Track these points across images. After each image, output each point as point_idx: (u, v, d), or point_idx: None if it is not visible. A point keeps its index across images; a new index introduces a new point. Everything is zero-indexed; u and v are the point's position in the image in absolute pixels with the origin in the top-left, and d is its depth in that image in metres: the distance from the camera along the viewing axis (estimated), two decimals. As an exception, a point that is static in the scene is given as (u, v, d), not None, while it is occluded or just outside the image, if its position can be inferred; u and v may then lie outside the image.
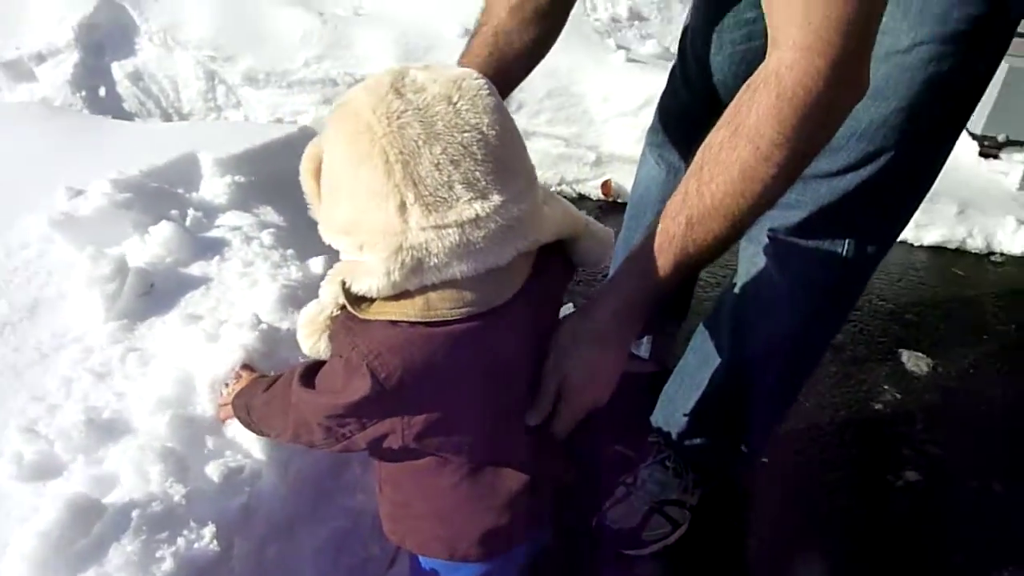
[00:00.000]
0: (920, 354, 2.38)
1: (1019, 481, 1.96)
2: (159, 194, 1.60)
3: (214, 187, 1.70)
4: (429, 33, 2.83)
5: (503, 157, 0.83)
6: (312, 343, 0.96)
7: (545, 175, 2.92)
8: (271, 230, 1.59)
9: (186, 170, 1.73)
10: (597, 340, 1.04)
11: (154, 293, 1.38)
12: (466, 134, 0.81)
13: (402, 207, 0.80)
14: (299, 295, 1.41)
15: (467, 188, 0.80)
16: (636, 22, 3.23)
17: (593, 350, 1.03)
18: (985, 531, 1.82)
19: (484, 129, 0.82)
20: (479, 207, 0.80)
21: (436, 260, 0.81)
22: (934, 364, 2.35)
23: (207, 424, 1.15)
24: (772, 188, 0.99)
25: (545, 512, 1.10)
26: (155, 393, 1.17)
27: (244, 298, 1.39)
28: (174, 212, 1.56)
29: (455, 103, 0.82)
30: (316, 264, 1.51)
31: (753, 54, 1.50)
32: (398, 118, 0.80)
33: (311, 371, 0.98)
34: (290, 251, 1.54)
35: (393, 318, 0.86)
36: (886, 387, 2.24)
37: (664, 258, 1.04)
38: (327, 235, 0.89)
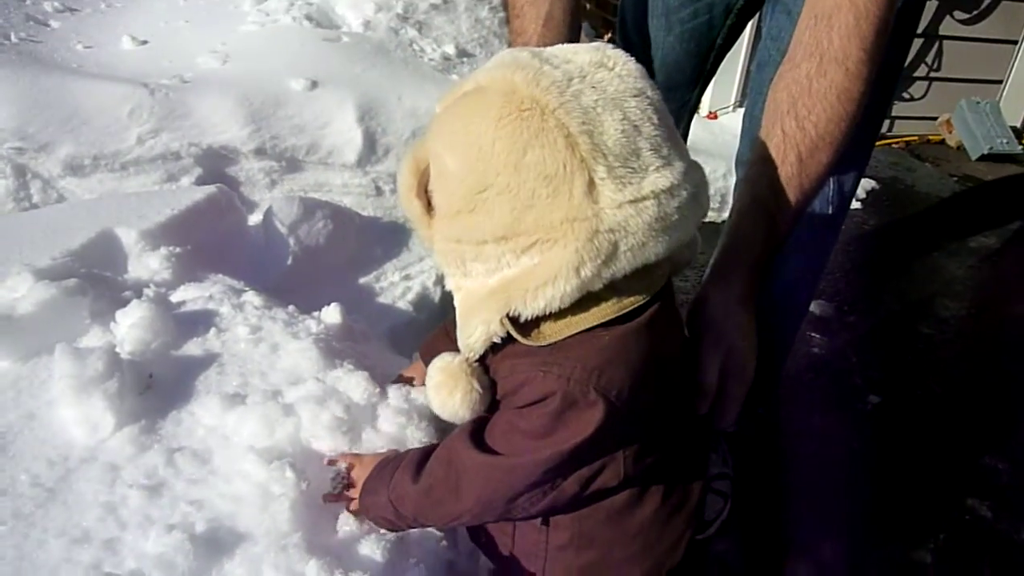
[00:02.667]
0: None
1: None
2: (94, 279, 1.31)
3: (150, 262, 1.43)
4: (274, 89, 2.64)
5: (670, 122, 0.78)
6: (446, 395, 0.83)
7: (423, 216, 2.82)
8: (249, 292, 1.36)
9: (106, 249, 1.44)
10: (745, 304, 1.01)
11: (155, 385, 1.11)
12: (636, 98, 0.74)
13: (590, 185, 0.70)
14: (334, 346, 1.22)
15: (654, 154, 0.73)
16: (465, 58, 3.28)
17: (745, 316, 1.00)
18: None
19: (649, 92, 0.76)
20: (670, 174, 0.73)
21: (633, 241, 0.72)
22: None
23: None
24: (862, 105, 1.04)
25: None
26: (244, 484, 0.94)
27: (273, 365, 1.17)
28: (126, 294, 1.28)
29: (612, 68, 0.75)
30: (332, 313, 1.32)
31: (700, 30, 1.57)
32: (568, 86, 0.71)
33: (477, 434, 0.84)
34: (290, 307, 1.33)
35: (585, 326, 0.76)
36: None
37: (784, 202, 1.04)
38: (464, 250, 0.75)
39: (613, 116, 0.72)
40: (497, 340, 0.78)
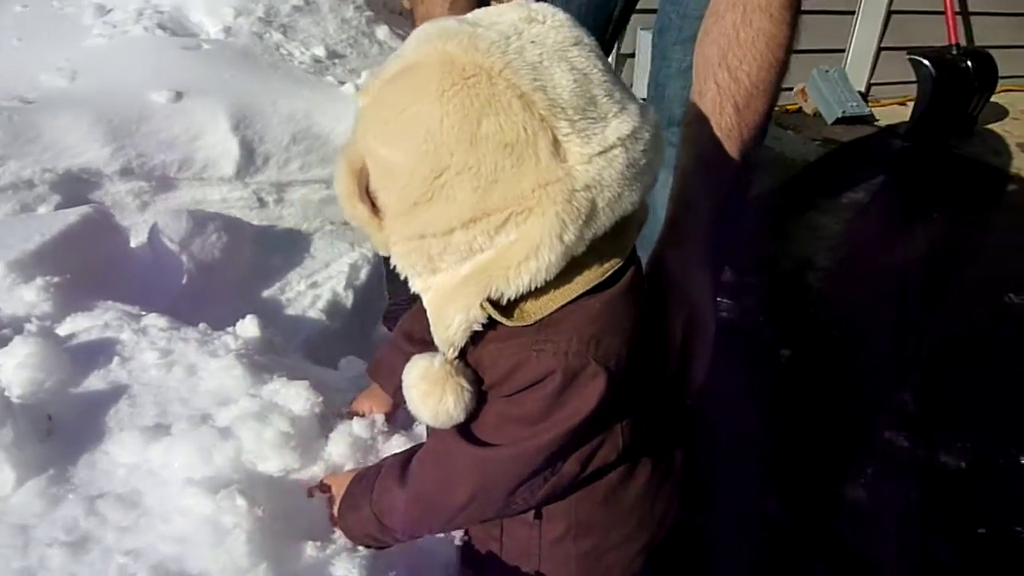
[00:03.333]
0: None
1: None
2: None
3: (25, 295, 1.26)
4: (135, 104, 2.42)
5: (610, 66, 0.75)
6: (436, 403, 0.76)
7: (312, 223, 2.69)
8: (150, 315, 1.23)
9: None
10: (703, 264, 0.99)
11: (57, 428, 0.97)
12: (576, 47, 0.69)
13: (555, 144, 0.65)
14: (259, 360, 1.12)
15: (609, 100, 0.69)
16: (336, 60, 3.15)
17: (706, 276, 0.98)
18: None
19: (586, 39, 0.72)
20: (629, 118, 0.69)
21: (609, 194, 0.67)
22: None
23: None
24: (790, 50, 1.05)
25: None
26: (187, 521, 0.83)
27: (194, 388, 1.05)
28: (4, 332, 1.12)
29: (544, 22, 0.70)
30: (249, 327, 1.21)
31: (596, 2, 1.57)
32: (508, 45, 0.66)
33: (466, 428, 0.78)
34: (200, 325, 1.21)
35: (570, 297, 0.72)
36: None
37: (726, 155, 1.03)
38: (430, 245, 0.69)
39: (561, 68, 0.67)
40: (478, 327, 0.72)
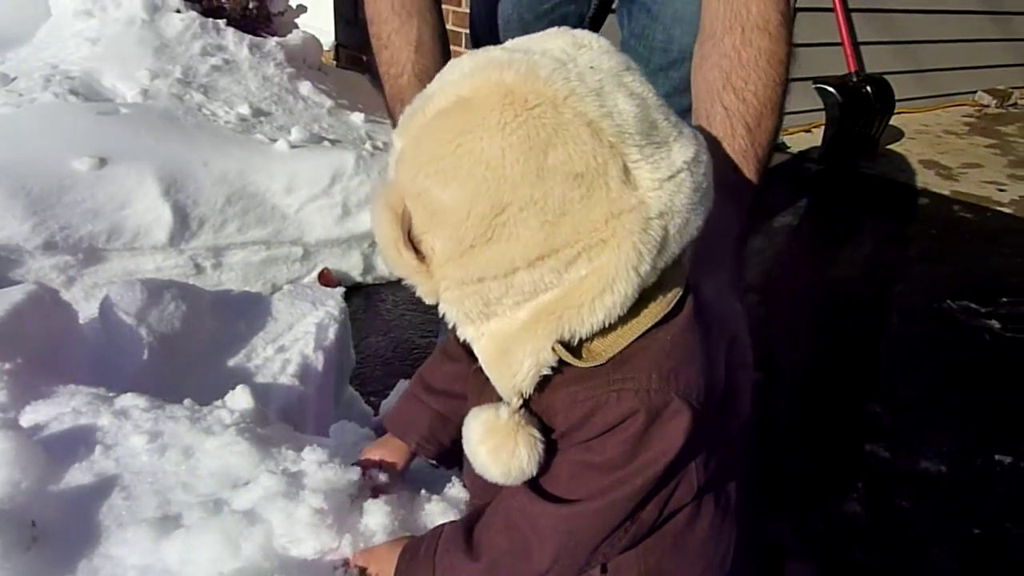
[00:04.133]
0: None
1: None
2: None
3: (-26, 387, 1.12)
4: (55, 173, 2.25)
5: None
6: (508, 458, 0.70)
7: (254, 285, 2.56)
8: (127, 395, 1.11)
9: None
10: (735, 290, 0.97)
11: (43, 535, 0.85)
12: (629, 71, 0.68)
13: (625, 172, 0.62)
14: (260, 432, 1.02)
15: (668, 124, 0.67)
16: (263, 117, 3.05)
17: (736, 303, 0.96)
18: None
19: (632, 64, 0.70)
20: (689, 141, 0.68)
21: (680, 220, 0.65)
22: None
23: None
24: (790, 67, 1.06)
25: None
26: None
27: (195, 471, 0.95)
28: (-39, 431, 0.99)
29: (592, 47, 0.68)
30: (240, 397, 1.11)
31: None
32: (568, 73, 0.63)
33: (536, 486, 0.73)
34: (185, 401, 1.10)
35: (639, 332, 0.68)
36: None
37: (744, 177, 1.02)
38: (488, 288, 0.64)
39: (621, 93, 0.64)
40: (547, 371, 0.67)
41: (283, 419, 1.45)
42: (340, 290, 2.05)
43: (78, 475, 0.93)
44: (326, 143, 2.88)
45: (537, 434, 0.70)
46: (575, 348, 0.67)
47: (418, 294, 0.70)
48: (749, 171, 1.01)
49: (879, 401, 2.10)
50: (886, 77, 4.33)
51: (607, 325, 0.64)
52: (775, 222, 3.41)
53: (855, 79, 4.15)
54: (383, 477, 0.94)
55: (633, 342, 0.68)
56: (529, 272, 0.63)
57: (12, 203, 2.17)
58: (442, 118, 0.64)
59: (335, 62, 4.75)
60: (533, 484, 0.72)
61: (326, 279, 2.70)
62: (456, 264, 0.65)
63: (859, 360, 2.37)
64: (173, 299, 1.54)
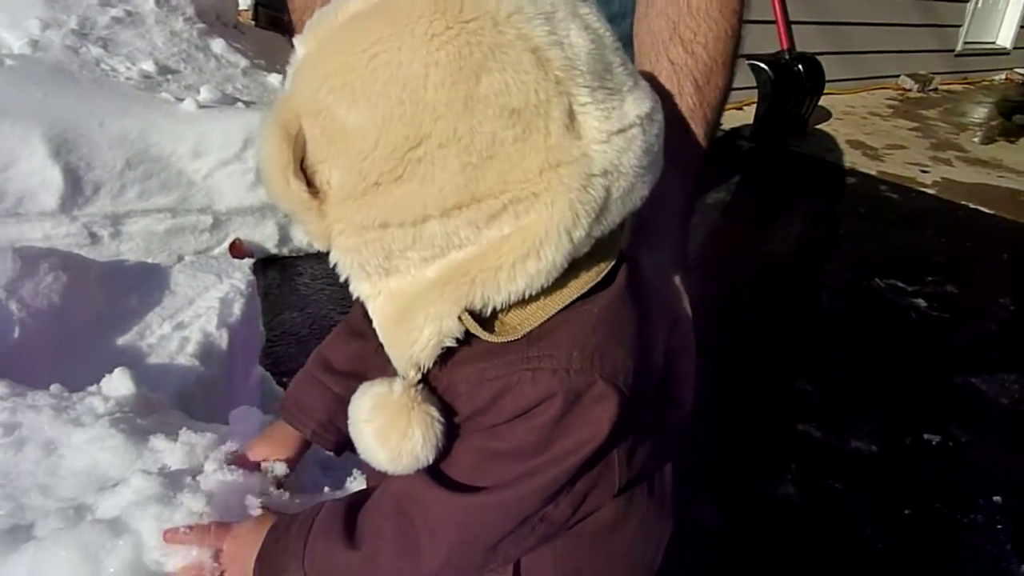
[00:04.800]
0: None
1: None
2: None
3: None
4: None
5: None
6: (399, 440, 0.58)
7: (158, 256, 2.36)
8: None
9: None
10: (679, 266, 0.87)
11: None
12: (583, 3, 0.56)
13: (570, 116, 0.52)
14: (140, 423, 0.89)
15: (624, 70, 0.56)
16: (169, 75, 2.82)
17: (682, 280, 0.86)
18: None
19: None
20: (645, 95, 0.57)
21: (624, 184, 0.54)
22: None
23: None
24: (742, 18, 0.96)
25: None
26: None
27: (55, 471, 0.81)
28: None
29: None
30: (118, 382, 0.97)
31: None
32: None
33: (435, 470, 0.62)
34: (52, 387, 0.95)
35: (562, 304, 0.58)
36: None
37: (693, 140, 0.92)
38: (392, 237, 0.54)
39: (575, 23, 0.53)
40: (451, 343, 0.55)
41: (178, 405, 1.30)
42: (248, 261, 1.89)
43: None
44: (239, 104, 2.68)
45: (435, 413, 0.59)
46: (486, 319, 0.56)
47: (307, 235, 0.57)
48: (698, 133, 0.91)
49: (809, 380, 2.08)
50: (816, 57, 4.36)
51: (527, 295, 0.54)
52: (707, 199, 3.38)
53: (787, 57, 4.16)
54: (280, 469, 0.81)
55: (554, 315, 0.57)
56: (442, 223, 0.52)
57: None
58: (357, 22, 0.52)
59: (253, 22, 4.49)
60: (431, 470, 0.61)
61: (238, 250, 2.52)
62: (356, 204, 0.53)
63: (789, 339, 2.35)
64: (52, 269, 1.36)
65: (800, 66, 4.13)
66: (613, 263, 0.61)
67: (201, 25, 3.18)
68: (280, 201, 0.56)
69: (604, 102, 0.53)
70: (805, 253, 3.04)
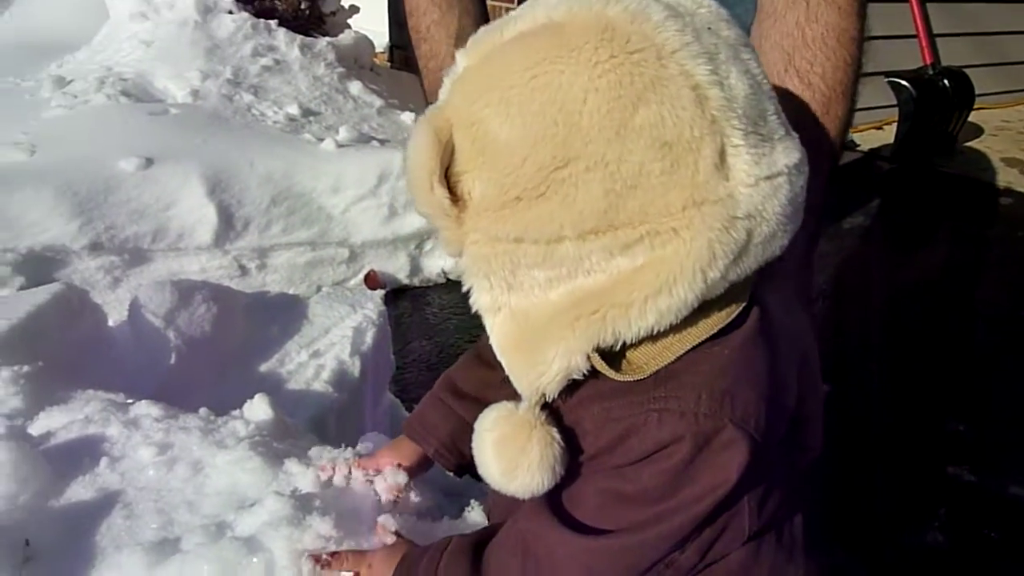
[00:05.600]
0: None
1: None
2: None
3: (-11, 391, 1.07)
4: (101, 174, 2.25)
5: None
6: (516, 454, 0.59)
7: (299, 287, 2.52)
8: (141, 403, 1.05)
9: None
10: (804, 305, 0.85)
11: (37, 554, 0.79)
12: (747, 48, 0.57)
13: (721, 156, 0.52)
14: (277, 447, 0.94)
15: (777, 119, 0.56)
16: (311, 117, 3.02)
17: (807, 318, 0.83)
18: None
19: (750, 43, 0.59)
20: (795, 146, 0.57)
21: (766, 230, 0.54)
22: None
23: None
24: (862, 44, 0.93)
25: None
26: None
27: (201, 489, 0.87)
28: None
29: (712, 10, 0.57)
30: (259, 408, 1.04)
31: None
32: (684, 25, 0.53)
33: (559, 509, 0.62)
34: (201, 410, 1.03)
35: (690, 344, 0.57)
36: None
37: (814, 172, 0.90)
38: (523, 253, 0.54)
39: (736, 67, 0.54)
40: (578, 377, 0.56)
41: (313, 429, 1.38)
42: (380, 292, 1.99)
43: (80, 490, 0.87)
44: (374, 143, 2.83)
45: (556, 436, 0.59)
46: (613, 356, 0.56)
47: (440, 242, 0.60)
48: (819, 165, 0.89)
49: (962, 418, 1.92)
50: (964, 71, 4.07)
51: (655, 332, 0.54)
52: (844, 224, 3.22)
53: (931, 72, 3.91)
54: (400, 478, 0.84)
55: (682, 355, 0.57)
56: (576, 245, 0.53)
57: (59, 203, 2.17)
58: (523, 40, 0.54)
59: (388, 63, 4.73)
60: (556, 509, 0.62)
61: (372, 281, 2.65)
62: (494, 216, 0.55)
63: (938, 372, 2.19)
64: (204, 301, 1.49)
65: (946, 80, 3.87)
66: (744, 305, 0.60)
67: (340, 69, 3.39)
68: (421, 205, 0.58)
69: (756, 147, 0.53)
70: (953, 280, 2.83)
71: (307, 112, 3.04)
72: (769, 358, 0.61)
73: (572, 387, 0.58)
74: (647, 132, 0.50)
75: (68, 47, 3.30)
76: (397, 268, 2.68)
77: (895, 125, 3.97)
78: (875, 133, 4.30)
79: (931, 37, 4.01)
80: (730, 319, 0.58)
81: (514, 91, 0.52)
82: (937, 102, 3.85)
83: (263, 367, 1.53)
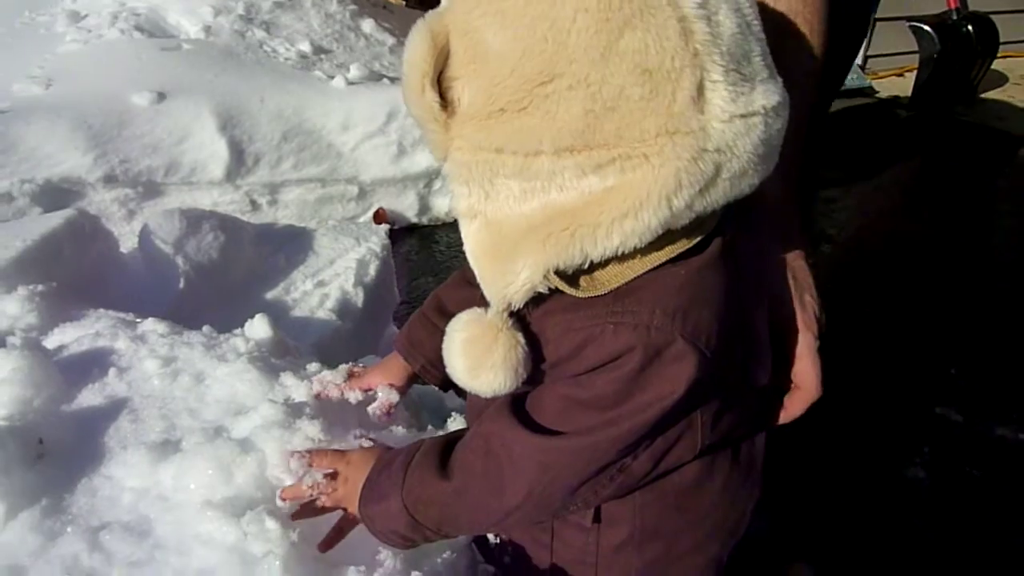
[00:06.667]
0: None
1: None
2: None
3: (7, 307, 1.13)
4: (115, 107, 2.29)
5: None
6: (481, 353, 0.63)
7: (309, 223, 2.55)
8: (148, 320, 1.10)
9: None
10: (802, 241, 0.86)
11: (49, 451, 0.85)
12: None
13: (699, 89, 0.53)
14: (274, 362, 0.99)
15: (762, 61, 0.58)
16: (323, 55, 3.02)
17: (782, 263, 0.85)
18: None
19: None
20: (776, 89, 0.58)
21: (736, 167, 0.56)
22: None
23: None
24: None
25: None
26: (209, 551, 0.70)
27: (202, 398, 0.93)
28: (-16, 347, 0.99)
29: None
30: (259, 326, 1.09)
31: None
32: None
33: (522, 413, 0.67)
34: (204, 327, 1.08)
35: (651, 265, 0.60)
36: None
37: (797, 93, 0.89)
38: (502, 163, 0.57)
39: (727, 5, 0.55)
40: (544, 290, 0.59)
41: (316, 353, 1.43)
42: (385, 227, 2.02)
43: (89, 396, 0.93)
44: (385, 81, 2.83)
45: (521, 340, 0.63)
46: (577, 273, 0.60)
47: (427, 144, 0.63)
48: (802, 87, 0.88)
49: (957, 363, 1.95)
50: (990, 16, 3.96)
51: (620, 254, 0.57)
52: (856, 170, 3.20)
53: (955, 17, 3.81)
54: (392, 396, 0.89)
55: (642, 274, 0.60)
56: (552, 160, 0.55)
57: (74, 136, 2.21)
58: None
59: (404, 1, 4.67)
60: (520, 414, 0.66)
61: (381, 219, 2.68)
62: (479, 125, 0.58)
63: (940, 318, 2.20)
64: (212, 230, 1.54)
65: (970, 27, 3.77)
66: (708, 235, 0.63)
67: (353, 7, 3.37)
68: (412, 106, 0.61)
69: (735, 85, 0.55)
70: (965, 229, 2.81)
71: (319, 49, 3.04)
72: (727, 284, 0.64)
73: (539, 299, 0.61)
74: (630, 57, 0.52)
75: (82, -19, 3.31)
76: (406, 207, 2.71)
77: (915, 73, 3.89)
78: (895, 80, 4.23)
79: (955, -20, 3.91)
80: (691, 245, 0.61)
81: (509, 3, 0.54)
82: (960, 48, 3.77)
83: (269, 294, 1.58)
